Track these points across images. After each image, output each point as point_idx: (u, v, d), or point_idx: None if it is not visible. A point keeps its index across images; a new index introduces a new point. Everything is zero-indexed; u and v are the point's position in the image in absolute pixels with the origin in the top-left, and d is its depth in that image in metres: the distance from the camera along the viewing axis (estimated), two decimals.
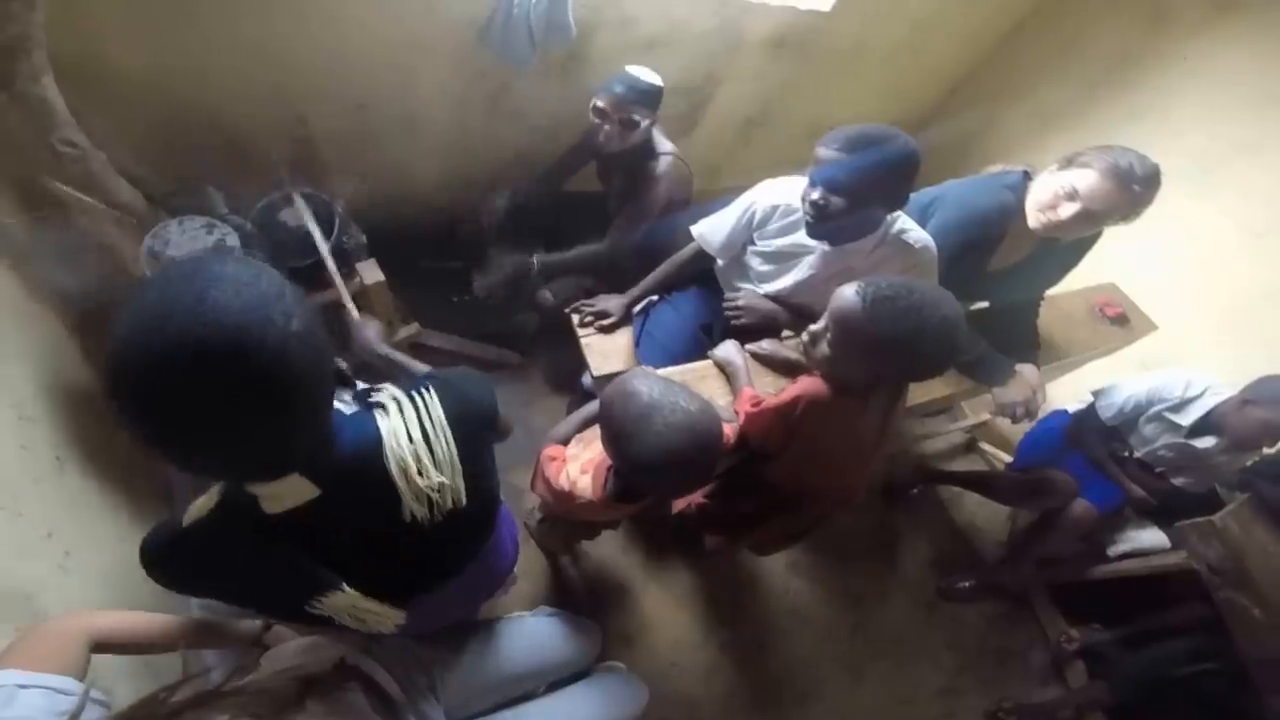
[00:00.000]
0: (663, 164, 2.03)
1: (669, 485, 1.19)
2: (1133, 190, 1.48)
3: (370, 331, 1.44)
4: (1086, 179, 1.52)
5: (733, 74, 2.45)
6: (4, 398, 1.28)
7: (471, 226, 2.34)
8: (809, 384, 1.34)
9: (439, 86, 2.08)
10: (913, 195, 1.69)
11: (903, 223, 1.59)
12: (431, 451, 0.86)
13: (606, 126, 1.98)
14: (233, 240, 1.61)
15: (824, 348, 1.29)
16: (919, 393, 1.78)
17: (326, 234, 1.74)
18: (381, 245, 1.98)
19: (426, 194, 2.44)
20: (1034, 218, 1.61)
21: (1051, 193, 1.57)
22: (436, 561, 1.03)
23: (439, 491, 0.87)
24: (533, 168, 2.40)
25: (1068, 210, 1.54)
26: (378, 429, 0.85)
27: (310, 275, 1.73)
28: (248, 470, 0.74)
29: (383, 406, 0.88)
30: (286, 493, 0.77)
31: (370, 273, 1.83)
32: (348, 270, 1.83)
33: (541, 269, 2.19)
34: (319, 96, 1.94)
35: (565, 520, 1.58)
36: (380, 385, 0.94)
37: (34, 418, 1.35)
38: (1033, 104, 2.78)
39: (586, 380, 1.98)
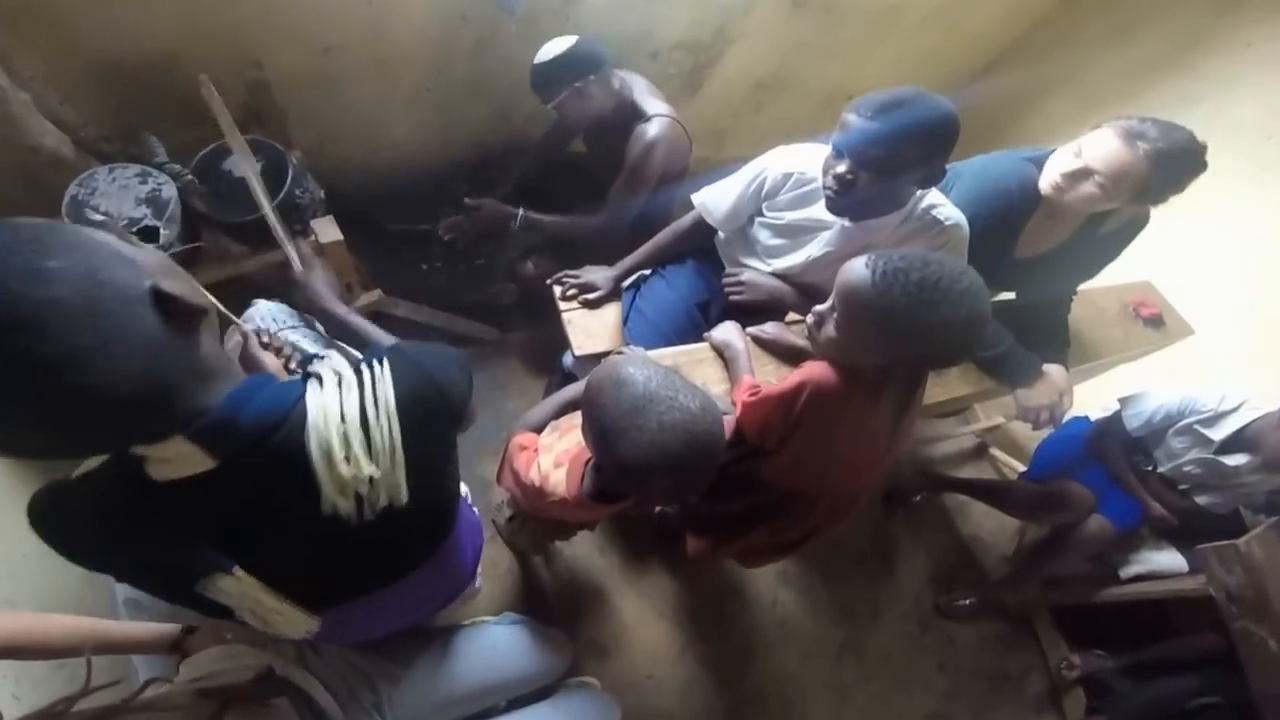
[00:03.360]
0: (654, 127, 1.91)
1: (656, 491, 1.09)
2: (1140, 150, 1.41)
3: (317, 281, 1.34)
4: (1094, 138, 1.48)
5: (746, 31, 2.35)
6: None
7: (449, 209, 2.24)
8: (815, 370, 1.26)
9: (417, 29, 1.96)
10: None
11: (932, 197, 1.51)
12: (368, 437, 0.77)
13: (556, 114, 1.95)
14: (169, 191, 1.52)
15: (830, 329, 1.21)
16: (935, 390, 1.72)
17: (278, 187, 1.64)
18: (346, 204, 1.88)
19: (400, 149, 2.32)
20: (1044, 182, 1.57)
21: (1061, 156, 1.54)
22: (364, 566, 0.94)
23: (370, 485, 0.78)
24: (515, 125, 2.31)
25: (1070, 165, 1.50)
26: (300, 402, 0.77)
27: (255, 231, 1.62)
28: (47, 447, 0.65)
29: (318, 378, 0.79)
30: (172, 457, 0.70)
31: (326, 230, 1.72)
32: (301, 228, 1.74)
33: (524, 224, 2.08)
34: (279, 37, 1.81)
35: (536, 518, 1.50)
36: (328, 352, 0.85)
37: None
38: (1078, 84, 2.72)
39: (567, 360, 1.91)
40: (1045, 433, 2.08)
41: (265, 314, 1.40)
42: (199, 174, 1.64)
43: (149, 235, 1.47)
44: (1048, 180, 1.56)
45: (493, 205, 2.07)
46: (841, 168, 1.40)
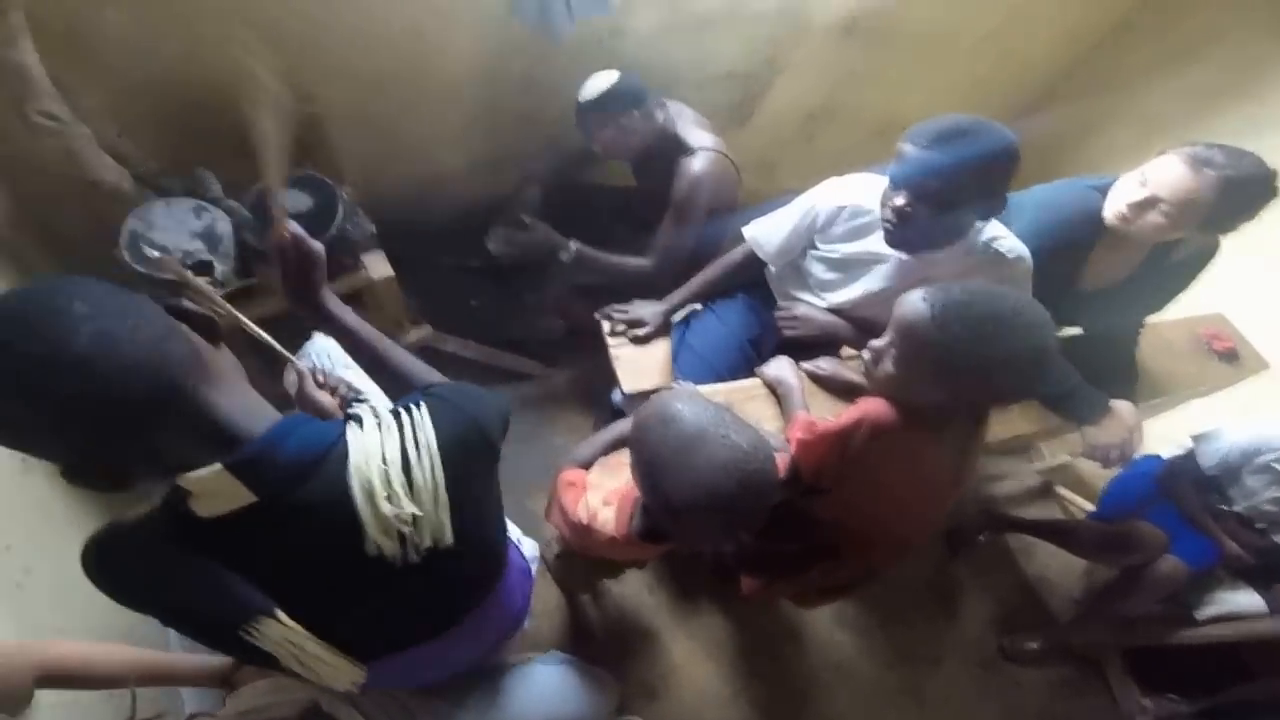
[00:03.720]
0: (699, 162, 1.89)
1: (705, 532, 1.08)
2: (1207, 177, 1.37)
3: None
4: (1159, 165, 1.44)
5: (795, 61, 2.34)
6: None
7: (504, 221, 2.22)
8: (872, 407, 1.23)
9: (466, 62, 1.99)
10: None
11: (994, 229, 1.48)
12: (409, 478, 0.78)
13: (599, 150, 1.95)
14: (223, 225, 1.56)
15: (888, 365, 1.19)
16: (998, 427, 1.67)
17: (329, 221, 1.67)
18: (396, 238, 1.91)
19: (450, 183, 2.35)
20: (1109, 212, 1.53)
21: (1125, 185, 1.50)
22: (412, 614, 0.93)
23: (413, 525, 0.79)
24: (566, 155, 2.32)
25: (1135, 194, 1.46)
26: (340, 440, 0.79)
27: None
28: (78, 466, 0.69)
29: (357, 418, 0.81)
30: (214, 491, 0.71)
31: (377, 266, 1.76)
32: (352, 262, 1.77)
33: (577, 260, 2.07)
34: (330, 72, 1.86)
35: (584, 555, 1.48)
36: (363, 396, 0.86)
37: None
38: (1139, 110, 2.65)
39: (616, 396, 1.90)
40: (1114, 471, 2.00)
41: (321, 351, 1.42)
42: (253, 209, 1.67)
43: (204, 269, 1.51)
44: (1113, 210, 1.52)
45: (547, 230, 2.06)
46: (899, 200, 1.38)
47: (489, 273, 2.22)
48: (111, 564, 0.76)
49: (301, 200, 1.68)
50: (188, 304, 0.73)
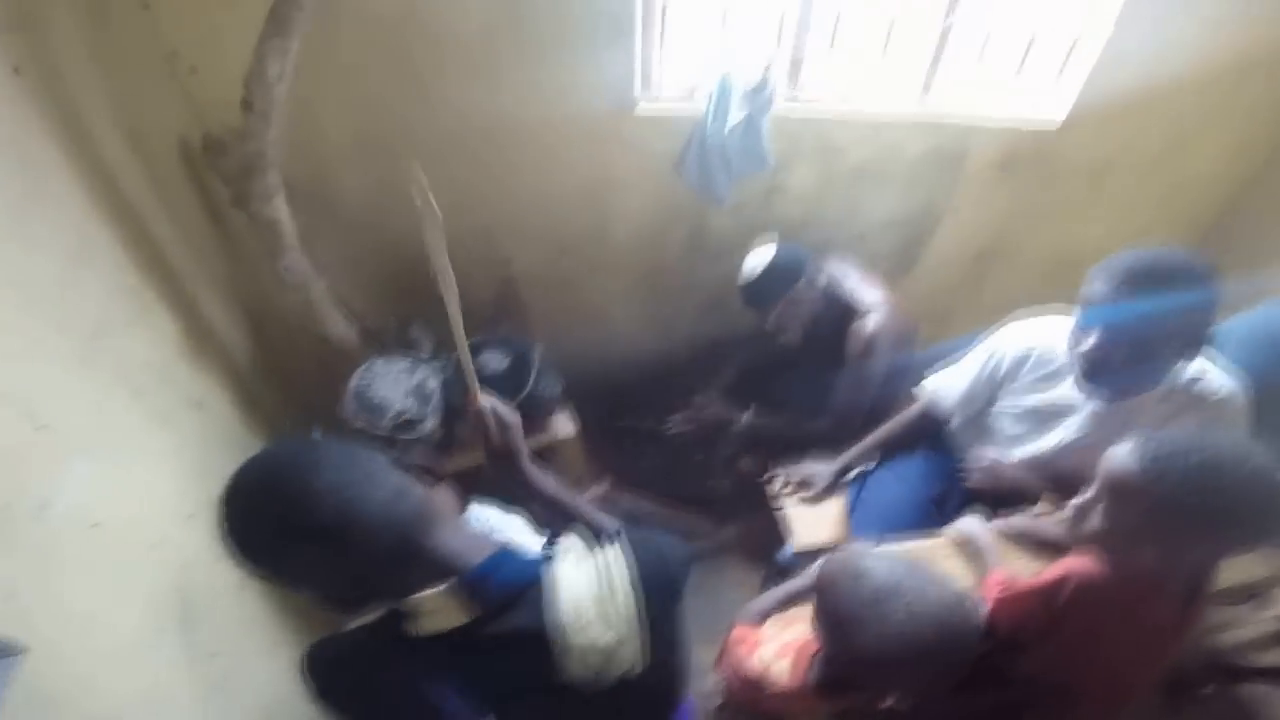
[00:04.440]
0: (872, 321, 1.88)
1: (899, 683, 1.08)
2: None
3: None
4: None
5: (956, 203, 2.36)
6: (206, 518, 1.31)
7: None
8: (1078, 564, 1.19)
9: (636, 225, 2.18)
10: None
11: (1196, 367, 1.37)
12: (604, 610, 0.85)
13: (771, 329, 2.00)
14: (433, 383, 1.71)
15: (1096, 523, 1.12)
16: (1228, 573, 1.49)
17: (524, 380, 1.80)
18: (576, 398, 2.03)
19: (623, 343, 2.52)
20: None
21: None
22: None
23: (605, 654, 0.85)
24: (728, 316, 2.40)
25: None
26: (542, 573, 0.88)
27: None
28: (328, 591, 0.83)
29: (556, 555, 0.90)
30: (435, 609, 0.81)
31: (563, 425, 1.88)
32: (542, 420, 1.89)
33: (749, 430, 2.12)
34: (524, 237, 2.09)
35: (749, 710, 1.46)
36: (561, 535, 0.96)
37: None
38: None
39: (785, 554, 1.87)
40: None
41: (480, 517, 1.51)
42: (458, 368, 1.84)
43: (412, 426, 1.64)
44: None
45: (719, 407, 2.14)
46: (1092, 342, 1.32)
47: (660, 433, 2.29)
48: (326, 669, 0.85)
49: (499, 360, 1.83)
50: (409, 460, 0.86)
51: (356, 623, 0.87)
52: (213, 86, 1.59)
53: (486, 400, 1.09)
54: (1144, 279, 1.24)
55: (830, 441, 1.99)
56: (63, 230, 1.15)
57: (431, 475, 0.89)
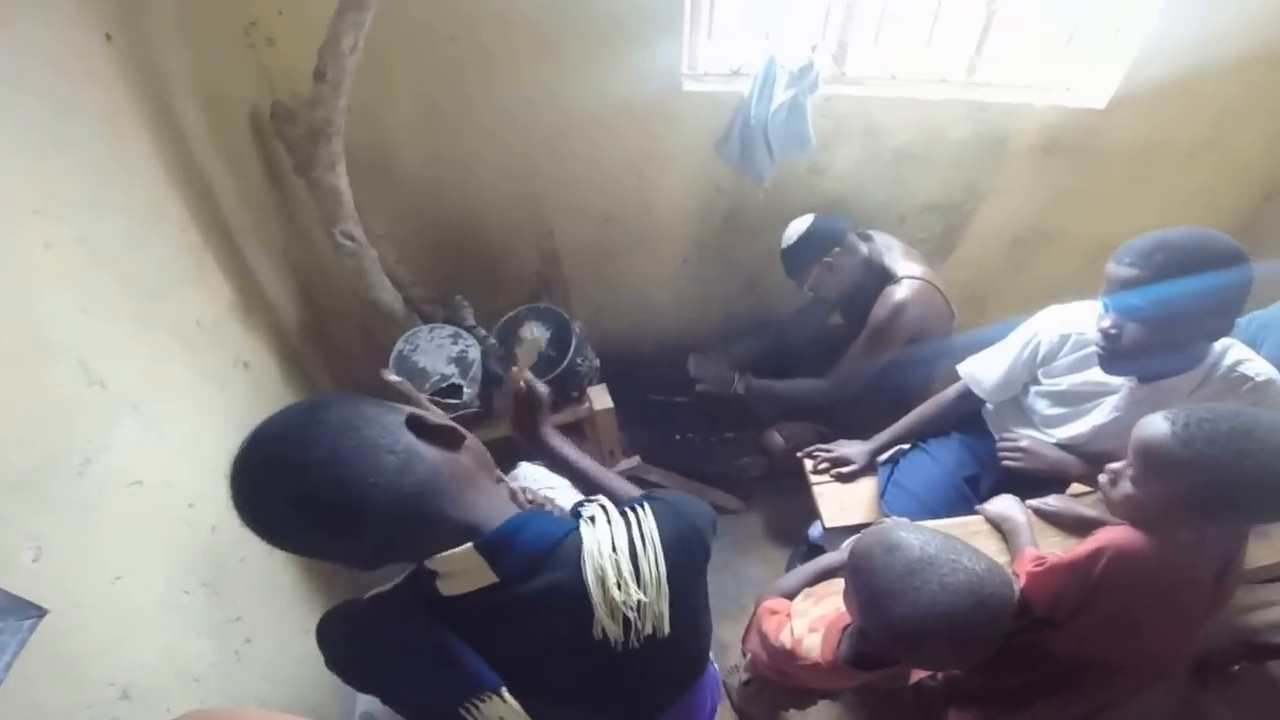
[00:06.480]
0: (903, 289, 1.94)
1: (933, 656, 1.11)
2: None
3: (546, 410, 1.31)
4: None
5: (997, 186, 2.42)
6: None
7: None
8: (1114, 535, 1.23)
9: (677, 203, 2.26)
10: None
11: (1238, 351, 1.43)
12: (636, 568, 0.88)
13: (810, 291, 2.08)
14: (474, 353, 1.80)
15: (1127, 486, 1.18)
16: (1260, 552, 1.58)
17: (564, 353, 1.88)
18: (612, 372, 2.11)
19: (660, 320, 2.61)
20: None
21: None
22: (622, 701, 1.01)
23: (638, 611, 0.88)
24: (762, 296, 2.51)
25: None
26: (573, 533, 0.90)
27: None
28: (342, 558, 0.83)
29: (589, 517, 0.93)
30: (461, 570, 0.83)
31: (600, 398, 1.96)
32: (578, 394, 1.98)
33: (750, 391, 2.20)
34: (569, 208, 2.19)
35: (776, 684, 1.52)
36: (592, 497, 0.98)
37: None
38: None
39: (815, 532, 1.96)
40: None
41: (528, 475, 1.60)
42: (499, 338, 1.92)
43: (454, 392, 1.74)
44: None
45: (718, 363, 2.24)
46: (1106, 322, 1.38)
47: (695, 409, 2.38)
48: (345, 634, 0.89)
49: (540, 331, 1.93)
50: (429, 418, 0.86)
51: (375, 591, 0.89)
52: (287, 57, 1.70)
53: (526, 376, 1.18)
54: (1150, 257, 1.28)
55: (831, 401, 2.08)
56: (138, 193, 1.23)
57: (455, 439, 0.91)
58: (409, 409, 0.85)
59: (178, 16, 1.40)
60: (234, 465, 0.76)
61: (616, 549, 0.89)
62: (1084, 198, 2.51)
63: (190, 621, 1.23)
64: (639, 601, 0.88)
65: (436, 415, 0.90)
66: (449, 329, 1.83)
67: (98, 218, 1.10)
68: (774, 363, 2.38)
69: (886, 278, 2.00)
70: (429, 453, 0.83)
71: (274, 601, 1.56)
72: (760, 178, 2.07)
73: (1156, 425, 1.12)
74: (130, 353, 1.15)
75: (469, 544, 0.82)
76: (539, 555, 0.87)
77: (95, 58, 1.15)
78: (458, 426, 0.89)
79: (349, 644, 0.89)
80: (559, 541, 0.89)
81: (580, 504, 0.98)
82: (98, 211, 1.10)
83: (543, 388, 1.19)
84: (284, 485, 0.75)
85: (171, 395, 1.25)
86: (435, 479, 0.82)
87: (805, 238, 1.99)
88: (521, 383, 1.18)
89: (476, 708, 0.84)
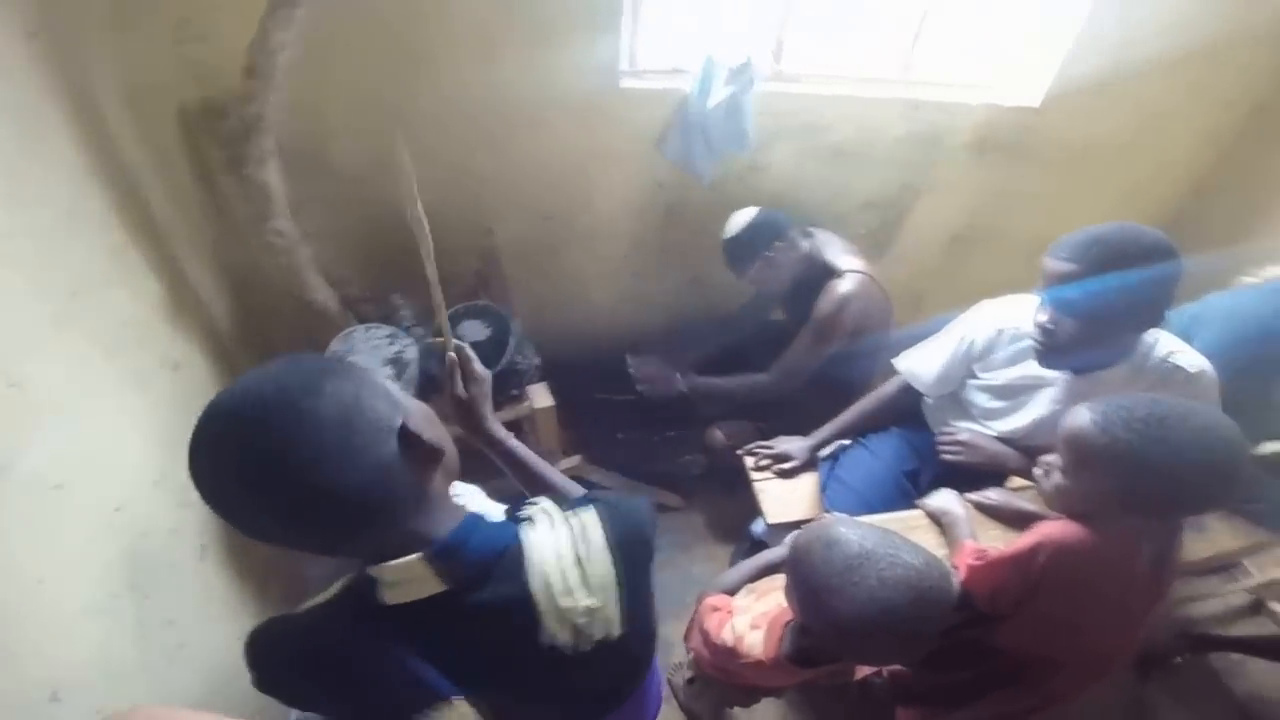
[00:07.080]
0: (845, 283, 1.97)
1: (874, 651, 1.13)
2: None
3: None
4: None
5: (934, 183, 2.48)
6: (171, 484, 1.39)
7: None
8: (1053, 528, 1.27)
9: (619, 196, 2.26)
10: None
11: (1168, 342, 1.47)
12: (584, 573, 0.88)
13: (750, 284, 2.10)
14: (411, 353, 1.78)
15: (1058, 478, 1.24)
16: (1199, 546, 1.65)
17: (502, 352, 1.87)
18: (552, 371, 2.11)
19: (600, 318, 2.61)
20: None
21: None
22: (575, 699, 1.01)
23: (587, 616, 0.88)
24: (705, 294, 2.53)
25: None
26: (517, 539, 0.88)
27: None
28: (307, 545, 0.79)
29: (530, 520, 0.92)
30: (407, 579, 0.81)
31: (540, 397, 1.96)
32: (518, 393, 1.97)
33: (693, 389, 2.21)
34: (509, 204, 2.17)
35: (721, 682, 1.54)
36: (532, 500, 0.97)
37: (192, 504, 1.45)
38: None
39: (757, 528, 1.97)
40: None
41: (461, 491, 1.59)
42: (436, 333, 1.90)
43: None
44: None
45: (658, 364, 2.25)
46: (1042, 316, 1.42)
47: (637, 408, 2.37)
48: (282, 651, 0.85)
49: (478, 330, 1.90)
50: (416, 431, 0.81)
51: (310, 603, 0.86)
52: (218, 54, 1.63)
53: (459, 346, 1.14)
54: (1083, 252, 1.33)
55: (773, 395, 2.11)
56: (55, 190, 1.20)
57: (434, 457, 0.87)
58: (403, 417, 0.80)
59: (107, 15, 1.36)
60: (202, 427, 0.73)
61: (561, 556, 0.89)
62: (1020, 195, 2.58)
63: (121, 624, 1.22)
64: (588, 607, 0.88)
65: (435, 430, 0.86)
66: (386, 329, 1.81)
67: (8, 217, 1.07)
68: (718, 359, 2.40)
69: (828, 272, 2.03)
70: (408, 467, 0.79)
71: (209, 606, 1.55)
72: (702, 175, 2.09)
73: (1080, 416, 1.18)
74: (49, 355, 1.13)
75: (417, 554, 0.81)
76: (486, 563, 0.86)
77: (13, 56, 1.12)
78: (442, 446, 0.84)
79: (288, 662, 0.85)
80: (506, 548, 0.88)
81: (518, 508, 0.98)
82: (9, 212, 1.08)
83: (479, 364, 1.14)
84: (258, 471, 0.71)
85: (96, 397, 1.23)
86: (404, 493, 0.80)
87: (749, 229, 2.01)
88: (451, 351, 1.13)
89: (429, 719, 0.82)
